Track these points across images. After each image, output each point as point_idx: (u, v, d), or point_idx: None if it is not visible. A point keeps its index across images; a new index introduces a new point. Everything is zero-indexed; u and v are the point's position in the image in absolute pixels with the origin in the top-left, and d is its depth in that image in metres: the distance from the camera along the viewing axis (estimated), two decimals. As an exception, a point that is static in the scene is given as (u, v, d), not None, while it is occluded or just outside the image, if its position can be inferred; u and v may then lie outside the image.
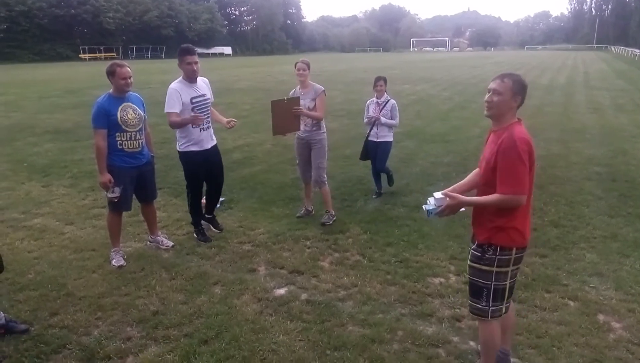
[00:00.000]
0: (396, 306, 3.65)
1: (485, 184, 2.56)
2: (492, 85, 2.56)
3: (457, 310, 3.57)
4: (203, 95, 4.64)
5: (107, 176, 4.17)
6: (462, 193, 2.69)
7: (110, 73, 4.12)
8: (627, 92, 18.43)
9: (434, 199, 2.60)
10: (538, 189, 6.51)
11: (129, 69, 4.16)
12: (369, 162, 6.44)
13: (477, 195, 2.69)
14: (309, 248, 4.75)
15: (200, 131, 4.64)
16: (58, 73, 31.84)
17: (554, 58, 50.56)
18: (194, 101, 4.55)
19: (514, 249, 2.57)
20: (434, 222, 5.06)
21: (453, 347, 3.17)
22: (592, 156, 8.39)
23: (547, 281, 4.01)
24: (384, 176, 6.38)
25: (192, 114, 4.48)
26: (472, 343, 3.22)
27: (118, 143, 4.18)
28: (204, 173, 4.87)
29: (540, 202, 5.97)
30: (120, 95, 4.19)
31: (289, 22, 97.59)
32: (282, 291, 3.92)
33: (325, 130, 5.40)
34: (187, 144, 4.66)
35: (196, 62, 4.50)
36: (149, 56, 64.86)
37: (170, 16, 69.32)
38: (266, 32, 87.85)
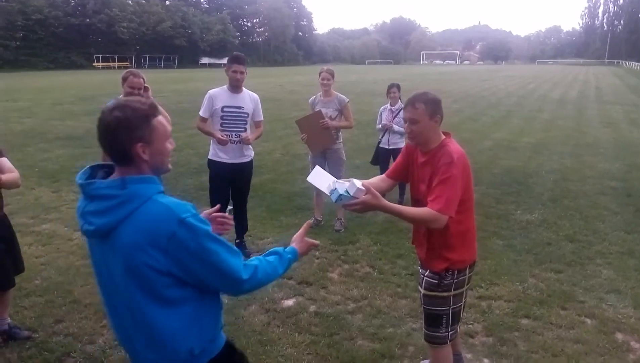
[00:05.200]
0: (407, 321, 3.56)
1: None
2: (406, 114, 2.40)
3: (470, 326, 3.47)
4: (239, 107, 4.47)
5: None
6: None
7: (124, 79, 4.11)
8: (641, 107, 18.22)
9: (354, 189, 2.17)
10: (552, 202, 6.40)
11: (141, 80, 4.10)
12: (378, 172, 6.40)
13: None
14: (318, 258, 4.67)
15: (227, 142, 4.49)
16: (72, 81, 32.24)
17: (566, 72, 50.32)
18: (224, 109, 4.43)
19: (468, 267, 2.51)
20: None
21: (466, 364, 3.07)
22: (607, 170, 8.25)
23: (563, 297, 3.89)
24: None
25: (219, 134, 4.40)
26: (486, 360, 3.12)
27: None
28: (225, 186, 4.69)
29: (554, 216, 5.86)
30: None
31: (300, 34, 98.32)
32: (290, 302, 3.85)
33: (342, 140, 5.38)
34: (211, 152, 4.65)
35: (242, 72, 4.39)
36: (162, 65, 65.47)
37: (183, 27, 70.04)
38: (278, 43, 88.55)
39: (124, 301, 1.56)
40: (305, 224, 1.96)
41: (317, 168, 2.43)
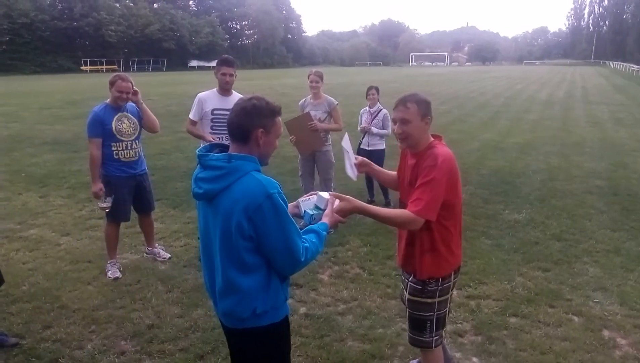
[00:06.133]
0: (397, 321, 3.58)
1: None
2: (397, 114, 2.32)
3: (459, 325, 3.49)
4: (229, 110, 4.47)
5: (99, 186, 4.13)
6: (382, 177, 2.64)
7: (111, 83, 4.11)
8: (626, 107, 18.49)
9: (324, 202, 2.09)
10: (539, 202, 6.47)
11: (130, 85, 4.11)
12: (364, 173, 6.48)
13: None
14: (308, 260, 4.67)
15: None
16: (59, 85, 31.93)
17: (553, 73, 50.89)
18: (214, 112, 4.46)
19: (452, 273, 2.46)
20: None
21: (455, 363, 3.10)
22: (593, 169, 8.36)
23: (551, 295, 3.94)
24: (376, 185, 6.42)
25: (210, 137, 4.39)
26: (475, 359, 3.14)
27: (114, 152, 4.15)
28: None
29: (541, 215, 5.92)
30: (116, 106, 4.17)
31: (289, 36, 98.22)
32: (280, 304, 3.84)
33: (330, 142, 5.40)
34: None
35: (231, 75, 4.44)
36: (150, 68, 65.09)
37: (172, 30, 69.69)
38: (267, 46, 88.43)
39: (217, 255, 1.87)
40: (330, 199, 2.11)
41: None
